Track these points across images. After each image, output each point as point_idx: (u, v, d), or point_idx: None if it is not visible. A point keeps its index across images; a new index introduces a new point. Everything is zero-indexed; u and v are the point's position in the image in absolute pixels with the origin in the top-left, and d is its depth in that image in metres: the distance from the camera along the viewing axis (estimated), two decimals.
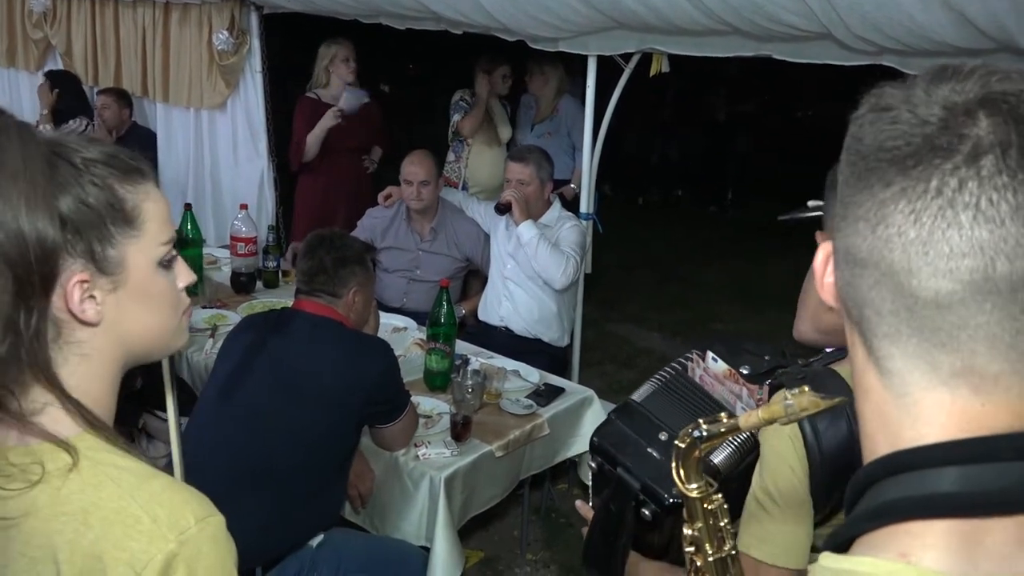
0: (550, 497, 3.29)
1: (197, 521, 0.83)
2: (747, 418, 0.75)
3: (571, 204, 3.73)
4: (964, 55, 2.23)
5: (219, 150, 4.44)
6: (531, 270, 3.34)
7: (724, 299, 5.66)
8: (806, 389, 0.70)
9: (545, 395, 2.72)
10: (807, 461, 1.20)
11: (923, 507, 0.54)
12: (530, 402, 2.65)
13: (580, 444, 2.78)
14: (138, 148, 3.63)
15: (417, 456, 2.33)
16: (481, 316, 3.54)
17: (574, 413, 2.76)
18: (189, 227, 3.34)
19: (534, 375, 2.86)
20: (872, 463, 0.59)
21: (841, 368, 1.21)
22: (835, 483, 1.18)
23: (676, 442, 0.81)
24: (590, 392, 2.83)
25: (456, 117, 4.47)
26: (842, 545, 0.59)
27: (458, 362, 2.75)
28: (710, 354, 1.58)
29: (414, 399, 2.50)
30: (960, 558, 0.53)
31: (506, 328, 3.43)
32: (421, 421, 2.45)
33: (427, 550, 2.26)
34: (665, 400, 1.54)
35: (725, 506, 0.85)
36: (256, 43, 4.08)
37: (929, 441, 0.55)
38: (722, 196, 8.35)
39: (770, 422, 0.73)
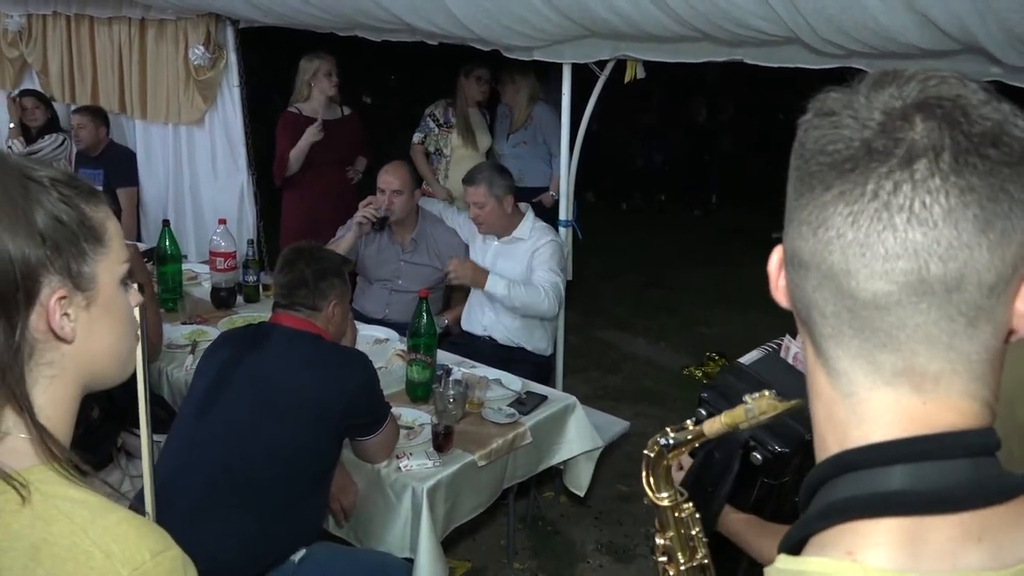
0: (536, 505, 3.29)
1: (153, 556, 0.81)
2: (711, 424, 0.76)
3: (551, 211, 3.74)
4: (930, 57, 2.26)
5: (198, 165, 4.44)
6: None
7: (709, 303, 5.69)
8: (766, 393, 0.71)
9: (527, 403, 2.72)
10: None
11: (870, 506, 0.55)
12: (512, 411, 2.65)
13: (564, 451, 2.78)
14: (117, 166, 3.65)
15: (399, 468, 2.33)
16: (464, 326, 3.54)
17: (557, 420, 2.76)
18: (168, 243, 3.33)
19: (516, 383, 2.86)
20: (822, 463, 0.60)
21: None
22: None
23: (645, 451, 0.82)
24: (573, 399, 2.83)
25: (419, 136, 4.49)
26: (795, 545, 0.59)
27: (440, 372, 2.74)
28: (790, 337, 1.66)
29: (396, 410, 2.49)
30: (905, 555, 0.54)
31: (489, 337, 3.43)
32: (403, 432, 2.45)
33: (411, 561, 2.25)
34: (772, 364, 1.61)
35: (697, 515, 0.86)
36: (233, 57, 4.08)
37: (875, 440, 0.56)
38: (706, 200, 8.39)
39: (733, 427, 0.74)
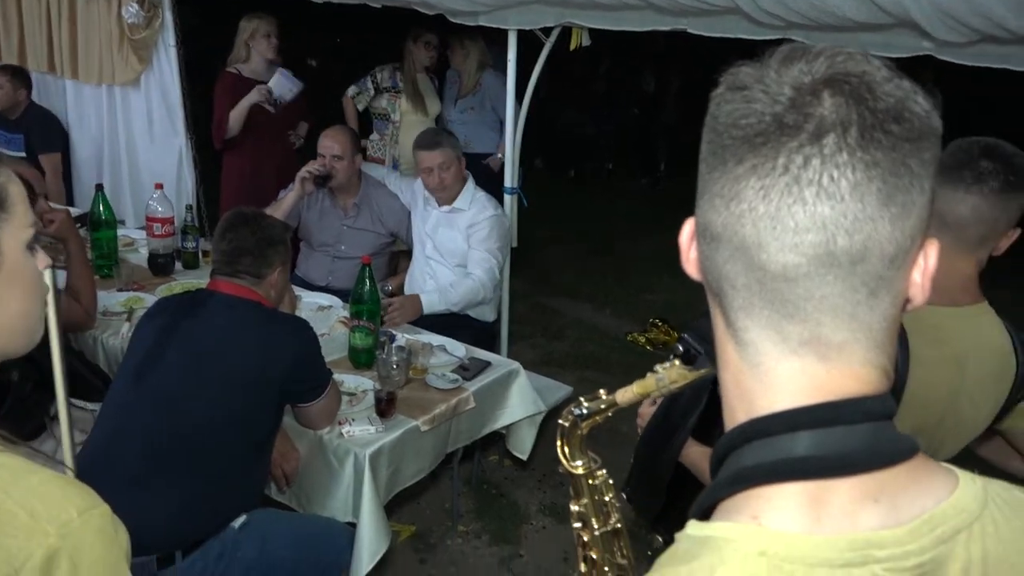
0: (481, 469, 3.33)
1: (80, 513, 0.81)
2: (623, 393, 0.77)
3: (497, 177, 3.72)
4: (865, 30, 2.30)
5: (134, 128, 4.29)
6: (448, 250, 3.35)
7: (654, 270, 5.77)
8: (676, 362, 0.73)
9: (471, 369, 2.74)
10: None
11: (774, 472, 0.57)
12: (456, 376, 2.67)
13: (507, 416, 2.82)
14: (39, 130, 3.50)
15: (341, 434, 2.33)
16: (407, 293, 3.53)
17: (501, 385, 2.79)
18: (101, 208, 3.23)
19: (460, 350, 2.88)
20: (730, 431, 0.61)
21: None
22: None
23: (559, 421, 0.84)
24: (516, 365, 2.86)
25: (353, 90, 4.42)
26: (705, 512, 0.61)
27: (383, 339, 2.74)
28: None
29: (338, 377, 2.49)
30: (806, 517, 0.56)
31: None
32: (346, 399, 2.45)
33: (354, 526, 2.27)
34: None
35: (610, 481, 0.88)
36: (168, 16, 3.93)
37: (780, 408, 0.58)
38: (654, 169, 8.46)
39: (645, 396, 0.76)
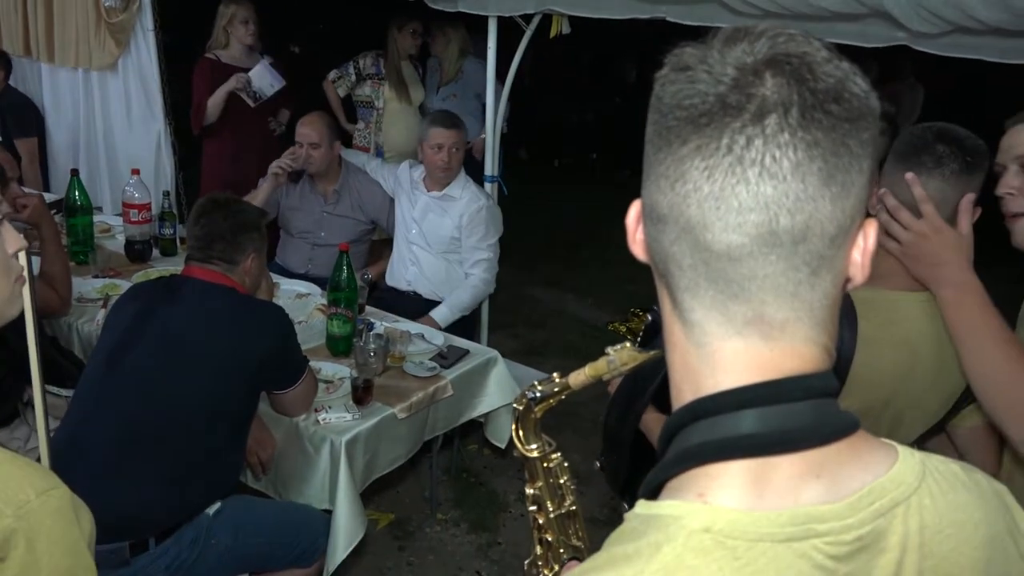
0: (460, 457, 3.34)
1: (38, 494, 0.81)
2: (576, 376, 0.78)
3: (479, 163, 3.72)
4: (840, 20, 2.32)
5: (112, 113, 4.24)
6: (436, 236, 3.35)
7: (636, 261, 5.73)
8: (627, 345, 0.74)
9: (449, 357, 2.74)
10: None
11: (719, 450, 0.58)
12: (433, 364, 2.67)
13: (485, 404, 2.82)
14: (14, 115, 3.44)
15: (318, 421, 2.33)
16: (389, 281, 3.53)
17: (479, 374, 2.79)
18: (77, 194, 3.20)
19: (438, 338, 2.88)
20: (677, 411, 0.62)
21: None
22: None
23: (514, 404, 0.84)
24: (494, 353, 2.86)
25: (335, 74, 4.40)
26: (653, 491, 0.62)
27: (361, 326, 2.74)
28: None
29: (315, 364, 2.49)
30: (750, 494, 0.57)
31: (414, 292, 3.43)
32: (323, 386, 2.44)
33: (330, 513, 2.27)
34: None
35: (565, 464, 0.89)
36: (146, 0, 3.89)
37: (725, 387, 0.59)
38: (637, 159, 8.46)
39: (596, 378, 0.76)
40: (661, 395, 1.54)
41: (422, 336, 2.87)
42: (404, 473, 3.02)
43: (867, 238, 0.60)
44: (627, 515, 0.61)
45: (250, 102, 3.88)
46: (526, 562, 0.91)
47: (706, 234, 0.57)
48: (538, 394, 0.81)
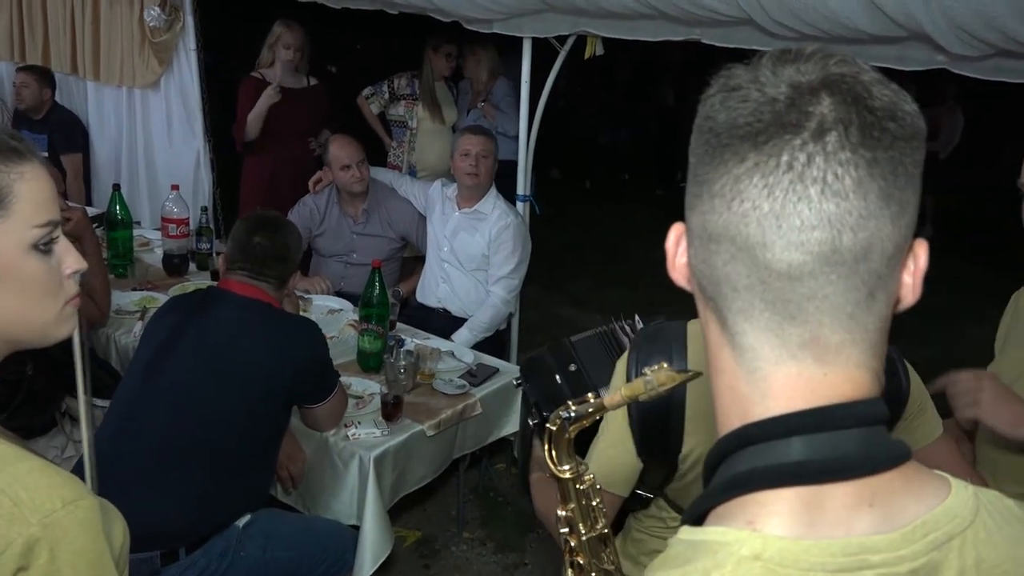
0: (487, 476, 3.33)
1: (65, 504, 0.80)
2: (611, 397, 0.77)
3: (510, 184, 3.73)
4: (878, 43, 2.30)
5: (153, 130, 4.34)
6: (467, 254, 3.36)
7: (668, 282, 5.72)
8: (664, 365, 0.73)
9: (479, 375, 2.75)
10: (627, 408, 1.25)
11: (770, 478, 0.57)
12: (463, 382, 2.67)
13: (514, 423, 2.81)
14: (61, 130, 3.55)
15: (347, 436, 2.34)
16: (419, 298, 3.54)
17: (508, 392, 2.78)
18: (118, 208, 3.27)
19: (468, 355, 2.88)
20: (724, 438, 0.61)
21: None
22: (645, 434, 1.25)
23: (547, 425, 0.83)
24: None
25: (369, 91, 4.47)
26: (698, 518, 0.61)
27: (392, 343, 2.75)
28: (637, 317, 1.74)
29: (346, 380, 2.51)
30: (801, 523, 0.56)
31: (444, 310, 3.44)
32: (353, 402, 2.46)
33: (358, 529, 2.27)
34: (594, 344, 1.70)
35: (598, 486, 0.87)
36: (190, 20, 3.98)
37: (776, 413, 0.58)
38: (670, 180, 8.45)
39: (633, 399, 0.75)
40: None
41: (452, 354, 2.88)
42: (431, 491, 3.01)
43: (917, 259, 0.60)
44: (671, 540, 0.60)
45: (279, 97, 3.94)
46: None
47: (766, 253, 0.56)
48: (572, 414, 0.80)
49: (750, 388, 0.59)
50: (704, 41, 2.75)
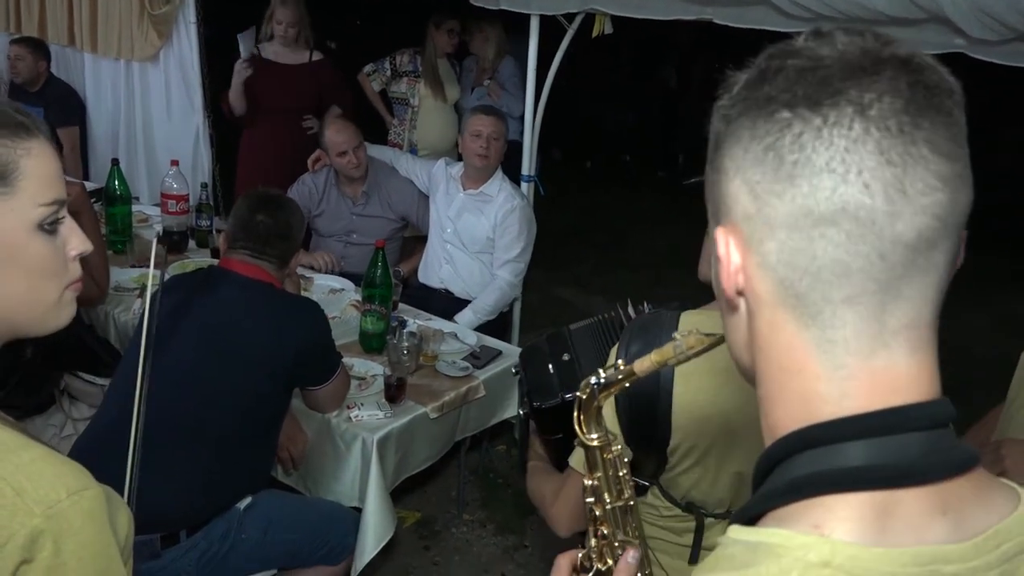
0: (488, 457, 3.32)
1: (70, 494, 0.78)
2: (641, 363, 0.75)
3: (514, 165, 3.68)
4: (897, 24, 2.25)
5: (152, 104, 4.28)
6: (471, 236, 3.32)
7: (668, 264, 5.72)
8: (695, 330, 0.71)
9: (482, 357, 2.72)
10: (614, 398, 1.24)
11: (839, 481, 0.54)
12: (466, 364, 2.65)
13: (516, 405, 2.79)
14: (56, 103, 3.48)
15: (350, 418, 2.32)
16: (421, 278, 3.51)
17: (511, 375, 2.76)
18: (117, 183, 3.22)
19: (471, 337, 2.85)
20: (784, 438, 0.58)
21: (710, 313, 1.26)
22: (632, 423, 1.24)
23: (577, 393, 0.82)
24: None
25: (370, 67, 4.40)
26: (751, 521, 0.58)
27: (394, 324, 2.73)
28: (647, 305, 1.74)
29: (348, 361, 2.48)
30: (872, 529, 0.53)
31: (446, 291, 3.41)
32: (355, 383, 2.43)
33: (359, 511, 2.25)
34: (590, 334, 1.70)
35: (625, 458, 0.86)
36: None
37: (849, 413, 0.55)
38: (672, 162, 8.39)
39: (663, 364, 0.73)
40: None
41: (455, 335, 2.85)
42: (431, 472, 3.00)
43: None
44: (724, 540, 0.57)
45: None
46: (579, 554, 0.88)
47: (896, 224, 0.52)
48: (603, 380, 0.78)
49: (829, 387, 0.56)
50: (716, 21, 2.70)
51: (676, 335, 0.70)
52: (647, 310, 1.72)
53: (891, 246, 0.53)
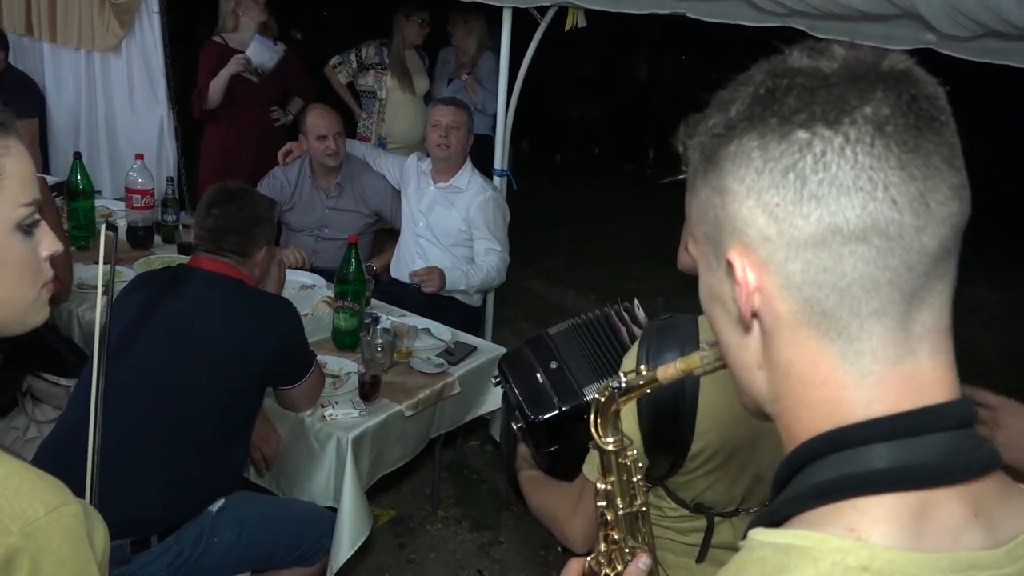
0: (462, 454, 3.30)
1: (48, 511, 0.75)
2: (665, 370, 0.74)
3: (486, 158, 3.65)
4: (868, 20, 2.27)
5: (114, 96, 4.18)
6: (443, 229, 3.30)
7: (639, 257, 5.75)
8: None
9: (456, 353, 2.70)
10: (636, 403, 1.22)
11: (873, 482, 0.54)
12: (441, 361, 2.63)
13: (492, 401, 2.78)
14: (13, 94, 3.37)
15: (324, 417, 2.28)
16: (394, 274, 3.48)
17: (486, 371, 2.74)
18: (79, 177, 3.14)
19: (446, 333, 2.83)
20: (810, 441, 0.57)
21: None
22: (656, 428, 1.22)
23: (595, 396, 0.81)
24: (502, 350, 2.81)
25: (336, 59, 4.34)
26: (776, 524, 0.57)
27: (368, 320, 2.69)
28: (637, 302, 1.70)
29: (321, 359, 2.44)
30: (908, 533, 0.53)
31: (419, 286, 3.38)
32: (329, 381, 2.40)
33: (335, 511, 2.22)
34: (573, 337, 1.65)
35: (640, 464, 0.85)
36: None
37: (877, 415, 0.55)
38: (642, 155, 8.42)
39: (687, 373, 0.73)
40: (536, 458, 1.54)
41: (429, 331, 2.82)
42: (406, 469, 2.97)
43: None
44: (749, 542, 0.57)
45: (254, 79, 3.78)
46: (588, 559, 0.87)
47: (922, 236, 0.53)
48: (624, 385, 0.77)
49: (857, 394, 0.56)
50: (690, 15, 2.70)
51: (705, 344, 0.69)
52: (637, 308, 1.69)
53: (918, 257, 0.54)
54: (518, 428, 1.51)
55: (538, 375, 1.55)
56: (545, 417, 1.50)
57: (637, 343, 1.23)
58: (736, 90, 0.58)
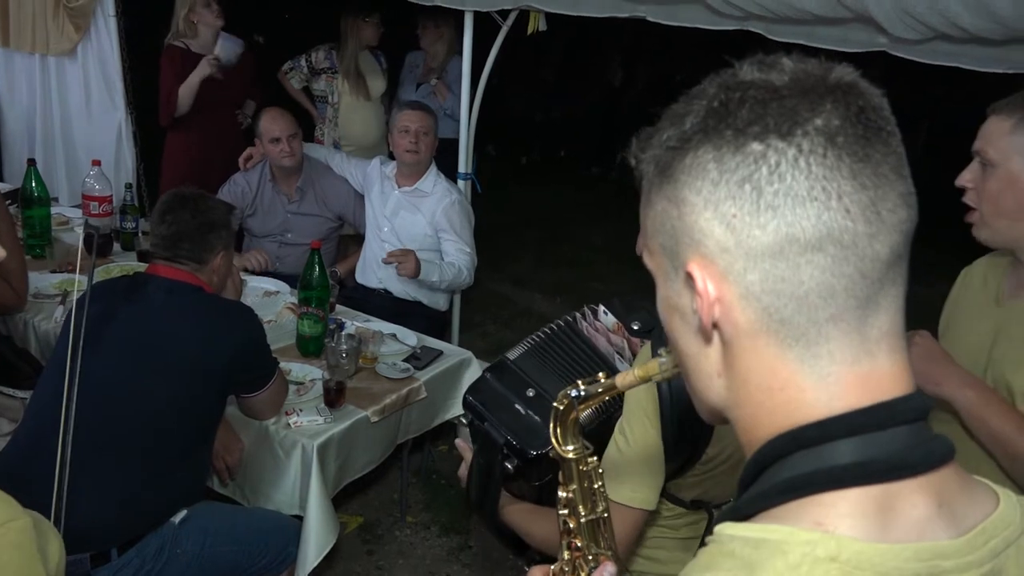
0: (430, 459, 3.29)
1: None
2: (623, 377, 0.74)
3: (450, 163, 3.64)
4: (823, 23, 2.31)
5: (70, 101, 4.08)
6: (409, 234, 3.29)
7: (605, 259, 5.78)
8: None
9: (423, 358, 2.69)
10: (659, 410, 1.23)
11: (836, 478, 0.55)
12: (407, 366, 2.61)
13: (459, 406, 2.77)
14: None
15: (288, 424, 2.26)
16: (359, 279, 3.46)
17: (452, 375, 2.74)
18: (34, 184, 3.07)
19: (412, 338, 2.82)
20: (773, 440, 0.58)
21: None
22: (682, 435, 1.22)
23: (555, 404, 0.80)
24: (468, 354, 2.82)
25: (288, 65, 4.31)
26: (743, 520, 0.58)
27: (332, 326, 2.67)
28: (602, 308, 1.66)
29: (286, 366, 2.42)
30: (874, 525, 0.54)
31: (385, 290, 3.36)
32: (293, 388, 2.38)
33: (300, 519, 2.20)
34: (537, 358, 1.61)
35: (600, 470, 0.85)
36: None
37: (838, 412, 0.56)
38: (609, 159, 8.46)
39: (645, 380, 0.73)
40: (510, 488, 1.50)
41: (395, 336, 2.81)
42: (373, 475, 2.95)
43: None
44: (717, 536, 0.58)
45: (219, 76, 3.73)
46: (551, 568, 0.87)
47: (875, 244, 0.55)
48: (582, 393, 0.77)
49: (817, 394, 0.57)
50: (649, 19, 2.72)
51: (662, 351, 0.69)
52: (602, 313, 1.69)
53: (871, 264, 0.55)
54: (514, 467, 1.44)
55: (518, 407, 1.50)
56: (546, 451, 1.43)
57: (650, 343, 1.22)
58: (689, 103, 0.59)
